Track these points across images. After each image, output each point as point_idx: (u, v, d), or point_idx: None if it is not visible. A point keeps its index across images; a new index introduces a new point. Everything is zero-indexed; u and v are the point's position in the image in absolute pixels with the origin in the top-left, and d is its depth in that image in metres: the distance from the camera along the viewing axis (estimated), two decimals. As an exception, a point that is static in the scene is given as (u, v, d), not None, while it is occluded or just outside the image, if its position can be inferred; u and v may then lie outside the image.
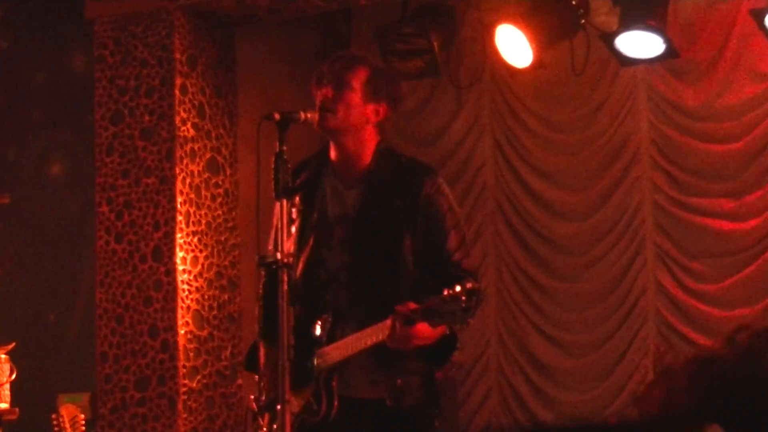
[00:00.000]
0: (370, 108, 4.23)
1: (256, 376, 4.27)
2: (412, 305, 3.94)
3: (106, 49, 7.44)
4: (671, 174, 6.74)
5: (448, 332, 4.08)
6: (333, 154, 4.29)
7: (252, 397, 4.30)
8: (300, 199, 4.29)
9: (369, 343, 4.05)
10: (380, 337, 4.00)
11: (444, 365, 4.24)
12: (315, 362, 4.18)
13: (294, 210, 4.26)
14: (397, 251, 4.16)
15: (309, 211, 4.29)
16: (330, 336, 4.19)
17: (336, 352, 4.15)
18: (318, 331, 4.20)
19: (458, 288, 3.81)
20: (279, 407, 3.91)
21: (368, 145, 4.25)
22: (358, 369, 4.17)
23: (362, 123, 4.21)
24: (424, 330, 3.98)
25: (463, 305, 3.80)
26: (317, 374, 4.17)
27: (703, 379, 1.74)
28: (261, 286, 4.24)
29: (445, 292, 3.83)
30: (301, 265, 4.24)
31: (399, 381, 4.14)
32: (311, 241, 4.26)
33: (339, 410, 4.14)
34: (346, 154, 4.25)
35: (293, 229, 4.26)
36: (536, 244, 7.05)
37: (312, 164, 4.36)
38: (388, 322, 3.97)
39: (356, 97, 4.20)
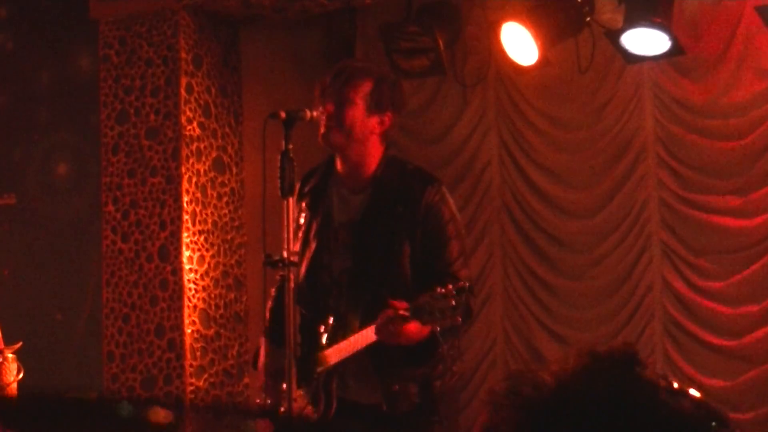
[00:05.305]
0: (375, 120, 4.22)
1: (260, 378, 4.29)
2: (404, 304, 3.95)
3: (112, 49, 7.45)
4: (677, 171, 6.73)
5: (434, 332, 4.09)
6: (339, 164, 4.29)
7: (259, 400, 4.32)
8: (306, 204, 4.30)
9: (363, 344, 4.06)
10: (373, 338, 4.02)
11: (426, 365, 4.22)
12: (315, 365, 4.19)
13: (302, 215, 4.28)
14: (395, 257, 4.17)
15: (314, 216, 4.30)
16: (332, 339, 4.20)
17: (333, 355, 4.16)
18: (321, 334, 4.21)
19: (450, 286, 3.84)
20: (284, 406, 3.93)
21: (373, 154, 4.25)
22: (358, 373, 4.19)
23: (366, 135, 4.21)
24: (414, 328, 4.00)
25: (453, 302, 3.81)
26: (317, 376, 4.18)
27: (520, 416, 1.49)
28: (275, 288, 4.29)
29: (438, 290, 3.85)
30: (304, 269, 4.25)
31: (396, 387, 4.15)
32: (315, 246, 4.28)
33: (337, 412, 4.15)
34: (351, 164, 4.26)
35: (300, 233, 4.28)
36: (542, 241, 7.04)
37: (319, 171, 4.38)
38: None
39: (359, 111, 4.20)
